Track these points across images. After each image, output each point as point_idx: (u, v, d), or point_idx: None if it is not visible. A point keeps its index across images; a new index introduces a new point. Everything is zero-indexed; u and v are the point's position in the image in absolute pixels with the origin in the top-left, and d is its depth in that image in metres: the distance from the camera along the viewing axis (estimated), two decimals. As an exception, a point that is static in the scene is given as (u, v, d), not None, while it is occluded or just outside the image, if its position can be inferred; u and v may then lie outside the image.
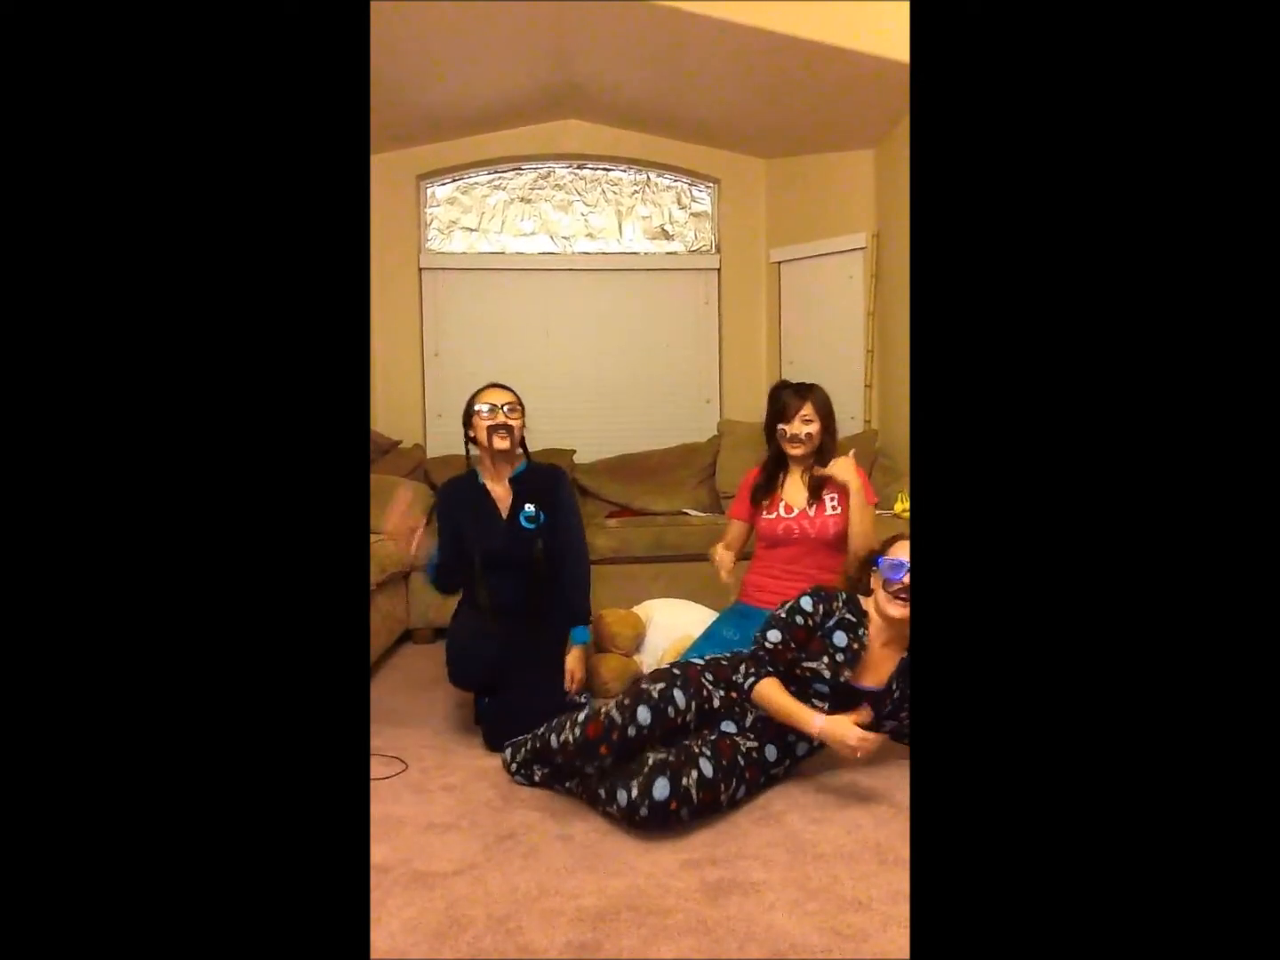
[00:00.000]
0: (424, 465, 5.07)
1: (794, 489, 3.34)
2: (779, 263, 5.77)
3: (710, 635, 3.31)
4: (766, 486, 3.37)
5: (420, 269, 5.79)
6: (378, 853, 2.14)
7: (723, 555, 3.33)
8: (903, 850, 2.12)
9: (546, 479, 3.27)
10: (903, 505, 4.36)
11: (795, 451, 3.29)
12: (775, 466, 3.38)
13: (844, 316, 5.42)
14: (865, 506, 3.18)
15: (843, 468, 3.18)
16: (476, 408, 3.14)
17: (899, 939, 1.76)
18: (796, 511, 3.29)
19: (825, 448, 3.31)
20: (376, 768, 2.72)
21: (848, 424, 4.98)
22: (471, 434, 3.18)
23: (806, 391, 3.31)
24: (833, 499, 3.26)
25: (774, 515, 3.31)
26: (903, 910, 1.85)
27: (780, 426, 3.30)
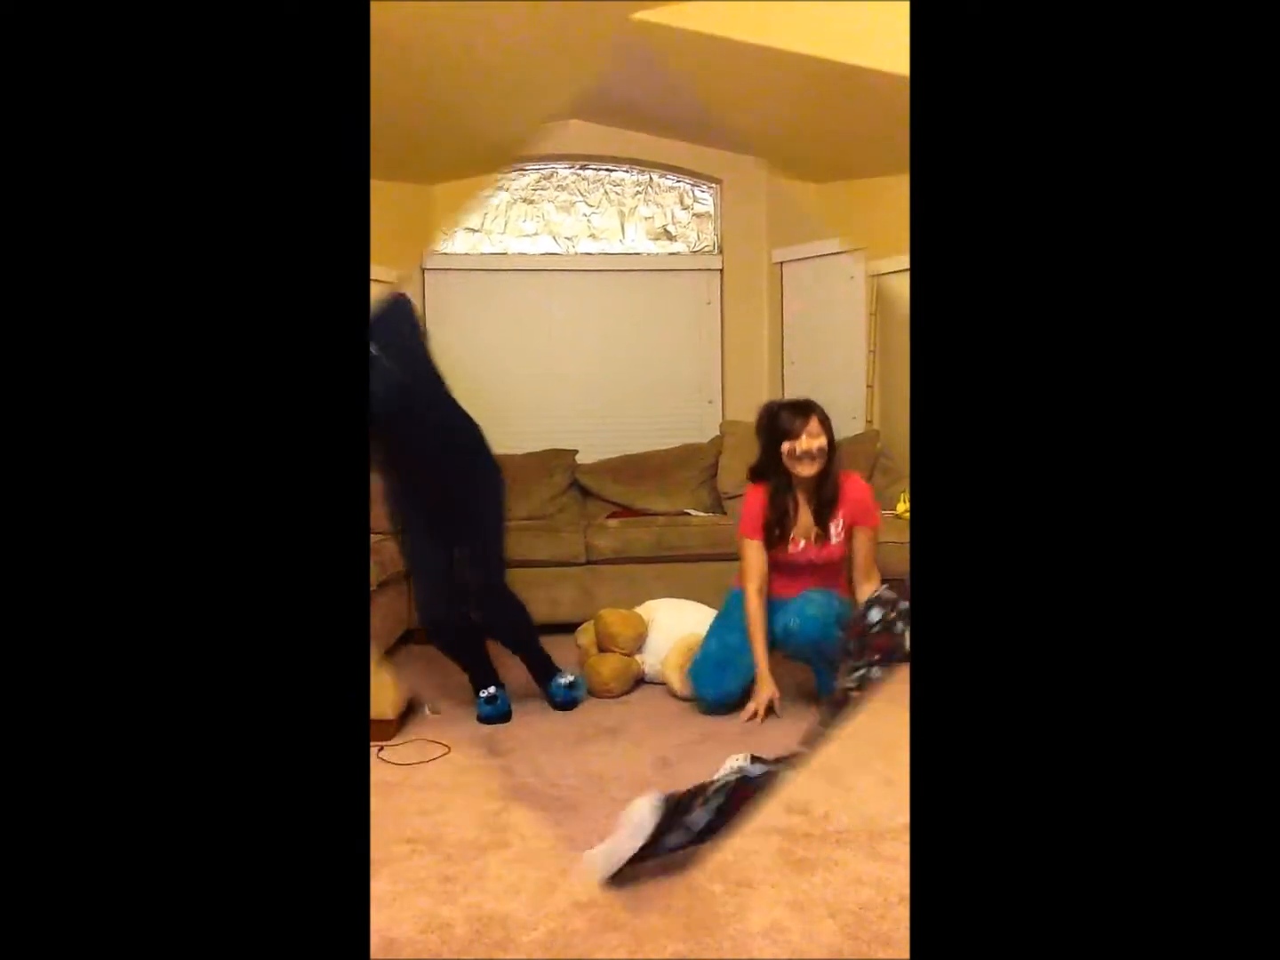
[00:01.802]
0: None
1: (804, 519, 3.33)
2: (781, 263, 5.76)
3: (726, 617, 3.39)
4: (780, 523, 3.32)
5: (424, 269, 5.78)
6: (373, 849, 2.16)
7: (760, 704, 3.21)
8: (902, 850, 2.13)
9: None
10: (905, 506, 4.36)
11: (807, 471, 3.22)
12: (784, 498, 3.31)
13: (846, 316, 5.41)
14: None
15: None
16: None
17: (899, 939, 1.77)
18: (803, 545, 3.31)
19: (832, 462, 3.29)
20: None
21: (850, 424, 5.00)
22: None
23: (808, 408, 3.25)
24: (837, 526, 3.27)
25: (783, 551, 3.33)
26: (902, 911, 1.86)
27: (787, 445, 3.21)
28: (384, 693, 3.08)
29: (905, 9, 1.32)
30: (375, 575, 3.73)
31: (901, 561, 3.79)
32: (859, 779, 2.64)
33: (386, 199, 5.25)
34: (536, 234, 5.92)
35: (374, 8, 1.83)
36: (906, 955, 1.64)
